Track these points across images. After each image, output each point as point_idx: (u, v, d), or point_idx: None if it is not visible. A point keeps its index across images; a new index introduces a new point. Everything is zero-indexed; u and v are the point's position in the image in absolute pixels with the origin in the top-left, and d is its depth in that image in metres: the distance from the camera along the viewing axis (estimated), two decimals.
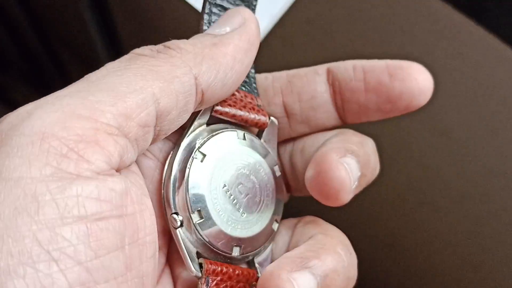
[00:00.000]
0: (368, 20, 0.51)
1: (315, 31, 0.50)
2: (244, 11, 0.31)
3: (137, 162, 0.30)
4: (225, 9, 0.32)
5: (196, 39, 0.30)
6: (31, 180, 0.23)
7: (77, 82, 0.27)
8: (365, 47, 0.50)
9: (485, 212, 0.44)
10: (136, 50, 0.29)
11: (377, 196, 0.46)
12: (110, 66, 0.27)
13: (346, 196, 0.29)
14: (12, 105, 1.08)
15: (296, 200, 0.36)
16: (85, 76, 0.27)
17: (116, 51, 0.81)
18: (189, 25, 0.58)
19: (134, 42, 0.81)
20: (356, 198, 0.31)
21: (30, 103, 0.25)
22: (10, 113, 0.25)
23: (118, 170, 0.26)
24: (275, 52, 0.48)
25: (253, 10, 0.34)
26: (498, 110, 0.48)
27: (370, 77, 0.32)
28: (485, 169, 0.46)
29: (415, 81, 0.31)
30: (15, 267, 0.22)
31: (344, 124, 0.35)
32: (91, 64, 0.96)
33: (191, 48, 0.29)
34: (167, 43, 0.29)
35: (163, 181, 0.30)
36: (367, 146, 0.32)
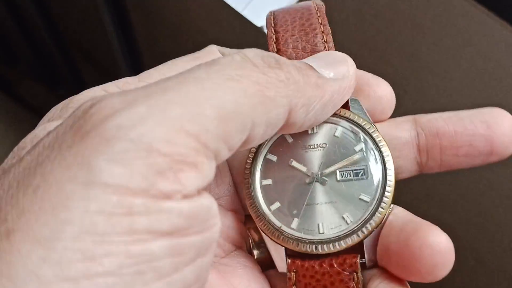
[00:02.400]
0: (377, 11, 0.51)
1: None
2: (351, 63, 0.31)
3: None
4: None
5: (303, 69, 0.28)
6: (129, 191, 0.22)
7: (185, 78, 0.24)
8: (373, 41, 0.50)
9: (489, 203, 0.44)
10: (248, 53, 0.27)
11: None
12: (220, 69, 0.25)
13: None
14: (17, 98, 1.09)
15: None
16: (195, 75, 0.24)
17: (131, 49, 0.81)
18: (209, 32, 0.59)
19: (150, 44, 0.81)
20: None
21: (141, 102, 0.23)
22: (119, 108, 0.23)
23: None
24: None
25: None
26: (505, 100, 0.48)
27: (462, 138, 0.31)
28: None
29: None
30: (104, 277, 0.21)
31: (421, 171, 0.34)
32: (104, 65, 0.96)
33: (298, 77, 0.27)
34: (280, 60, 0.27)
35: None
36: None
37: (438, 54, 0.50)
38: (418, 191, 0.48)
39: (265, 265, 0.33)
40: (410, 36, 0.50)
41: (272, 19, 0.34)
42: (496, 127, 0.31)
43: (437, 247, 0.28)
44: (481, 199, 0.46)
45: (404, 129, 0.33)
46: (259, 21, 0.53)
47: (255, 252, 0.33)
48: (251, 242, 0.34)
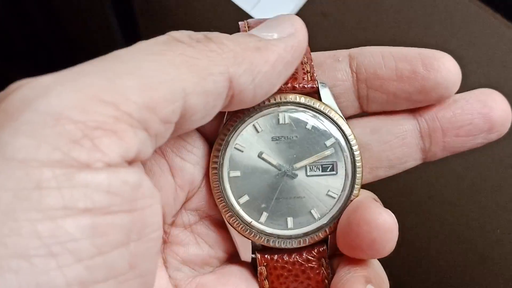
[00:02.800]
0: (382, 11, 0.51)
1: (331, 25, 0.51)
2: (296, 20, 0.29)
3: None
4: None
5: (240, 37, 0.28)
6: (37, 163, 0.20)
7: (104, 57, 0.24)
8: (380, 38, 0.50)
9: (494, 205, 0.44)
10: (174, 34, 0.26)
11: (385, 188, 0.47)
12: (143, 47, 0.25)
13: None
14: None
15: None
16: (114, 52, 0.24)
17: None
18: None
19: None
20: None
21: (49, 75, 0.22)
22: (24, 82, 0.22)
23: (131, 163, 0.23)
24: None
25: None
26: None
27: (403, 66, 0.31)
28: (496, 161, 0.46)
29: (450, 72, 0.31)
30: (8, 260, 0.19)
31: (363, 112, 0.33)
32: None
33: (233, 45, 0.26)
34: (209, 34, 0.27)
35: None
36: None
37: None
38: (422, 192, 0.48)
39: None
40: (413, 36, 0.50)
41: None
42: (492, 104, 0.31)
43: (374, 223, 0.28)
44: (484, 200, 0.46)
45: (404, 117, 0.32)
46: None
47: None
48: None
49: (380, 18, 0.51)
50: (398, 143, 0.32)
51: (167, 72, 0.24)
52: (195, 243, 0.32)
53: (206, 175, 0.31)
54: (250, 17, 0.55)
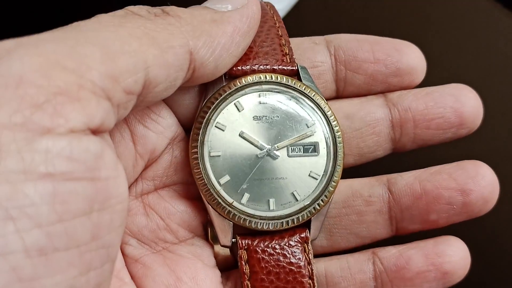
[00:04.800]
0: (382, 2, 0.51)
1: (331, 14, 0.51)
2: None
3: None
4: None
5: (195, 10, 0.28)
6: None
7: (64, 27, 0.24)
8: (379, 29, 0.50)
9: (498, 201, 0.44)
10: (132, 8, 0.27)
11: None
12: (103, 19, 0.25)
13: None
14: None
15: None
16: (74, 23, 0.24)
17: None
18: None
19: None
20: None
21: (11, 40, 0.22)
22: None
23: (95, 132, 0.23)
24: (292, 35, 0.49)
25: None
26: None
27: (378, 49, 0.32)
28: (501, 154, 0.46)
29: (419, 58, 0.33)
30: None
31: (338, 96, 0.34)
32: None
33: (190, 19, 0.27)
34: (166, 8, 0.27)
35: None
36: None
37: (450, 51, 0.49)
38: None
39: (227, 262, 0.32)
40: (418, 29, 0.50)
41: None
42: (464, 99, 0.32)
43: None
44: None
45: (377, 105, 0.33)
46: (278, 4, 0.52)
47: (216, 248, 0.32)
48: (210, 233, 0.32)
49: (380, 9, 0.50)
50: (368, 131, 0.33)
51: (128, 43, 0.24)
52: (144, 214, 0.31)
53: (170, 145, 0.31)
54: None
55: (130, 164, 0.29)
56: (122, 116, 0.25)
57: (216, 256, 0.32)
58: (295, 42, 0.33)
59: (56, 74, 0.21)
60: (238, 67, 0.30)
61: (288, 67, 0.31)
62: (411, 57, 0.32)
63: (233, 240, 0.31)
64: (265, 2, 0.33)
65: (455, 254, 0.31)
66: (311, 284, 0.31)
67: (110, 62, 0.23)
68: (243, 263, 0.31)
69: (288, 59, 0.31)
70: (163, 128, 0.30)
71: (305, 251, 0.31)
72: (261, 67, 0.31)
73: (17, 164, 0.20)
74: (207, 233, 0.32)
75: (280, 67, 0.31)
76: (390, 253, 0.32)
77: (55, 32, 0.23)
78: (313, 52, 0.33)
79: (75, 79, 0.22)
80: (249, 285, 0.31)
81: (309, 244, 0.31)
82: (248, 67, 0.31)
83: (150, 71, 0.24)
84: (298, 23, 0.51)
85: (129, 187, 0.30)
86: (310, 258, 0.31)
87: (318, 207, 0.31)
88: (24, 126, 0.20)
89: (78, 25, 0.24)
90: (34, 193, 0.20)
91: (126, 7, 0.27)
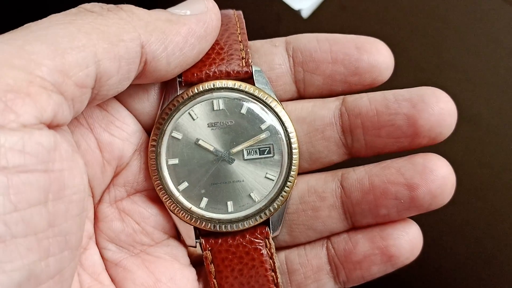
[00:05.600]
0: (400, 7, 0.51)
1: (350, 17, 0.51)
2: (209, 1, 0.31)
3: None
4: None
5: (153, 11, 0.29)
6: None
7: (16, 30, 0.25)
8: (397, 33, 0.49)
9: (506, 205, 0.43)
10: (85, 5, 0.28)
11: None
12: (54, 19, 0.26)
13: None
14: None
15: None
16: (26, 25, 0.26)
17: None
18: None
19: None
20: None
21: None
22: None
23: (50, 126, 0.25)
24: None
25: None
26: None
27: (337, 49, 0.32)
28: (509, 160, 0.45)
29: (383, 55, 0.31)
30: None
31: (300, 97, 0.34)
32: None
33: (144, 16, 0.28)
34: (121, 5, 0.28)
35: None
36: None
37: (463, 50, 0.49)
38: None
39: (202, 259, 0.33)
40: (434, 30, 0.49)
41: None
42: (423, 106, 0.29)
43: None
44: (493, 198, 0.45)
45: (329, 108, 0.32)
46: (298, 4, 0.54)
47: (189, 248, 0.34)
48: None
49: (398, 11, 0.50)
50: (317, 136, 0.32)
51: (77, 38, 0.25)
52: (119, 219, 0.32)
53: (137, 152, 0.32)
54: (281, 0, 0.54)
55: (98, 171, 0.31)
56: (79, 110, 0.26)
57: (190, 255, 0.34)
58: (255, 45, 0.33)
59: (5, 73, 0.23)
60: (194, 74, 0.32)
61: (242, 71, 0.32)
62: (372, 55, 0.31)
63: (197, 241, 0.33)
64: (233, 12, 0.35)
65: (400, 237, 0.31)
66: (274, 276, 0.32)
67: (59, 57, 0.24)
68: (209, 263, 0.32)
69: (243, 63, 0.32)
70: (128, 134, 0.32)
71: (266, 246, 0.32)
72: (216, 72, 0.32)
73: None
74: (180, 234, 0.33)
75: (234, 71, 0.32)
76: (340, 238, 0.32)
77: (5, 35, 0.25)
78: (271, 54, 0.33)
79: (24, 75, 0.23)
80: (216, 283, 0.32)
81: (270, 239, 0.32)
82: (203, 73, 0.32)
83: (101, 64, 0.25)
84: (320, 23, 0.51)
85: (102, 194, 0.32)
86: (272, 252, 0.32)
87: (275, 207, 0.32)
88: None
89: (29, 26, 0.26)
90: None
91: (80, 5, 0.28)
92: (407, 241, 0.31)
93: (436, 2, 0.50)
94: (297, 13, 0.50)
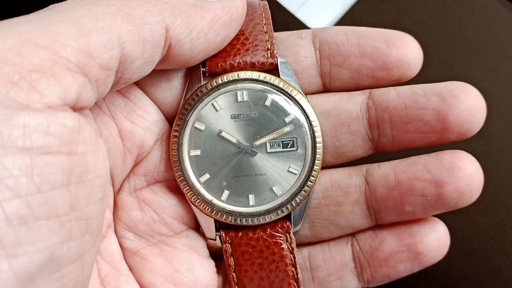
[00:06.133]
0: (414, 23, 0.50)
1: (382, 21, 0.50)
2: None
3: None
4: None
5: None
6: None
7: (41, 10, 0.25)
8: (429, 33, 0.48)
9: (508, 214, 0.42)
10: None
11: None
12: (79, 0, 0.26)
13: None
14: None
15: None
16: (50, 6, 0.26)
17: None
18: None
19: None
20: None
21: None
22: None
23: (74, 109, 0.24)
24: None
25: None
26: None
27: (365, 42, 0.31)
28: None
29: (412, 50, 0.31)
30: None
31: (325, 91, 0.33)
32: None
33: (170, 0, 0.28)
34: None
35: None
36: None
37: (477, 63, 0.48)
38: None
39: (221, 251, 0.33)
40: (448, 44, 0.48)
41: None
42: (453, 100, 0.29)
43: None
44: (500, 210, 0.44)
45: (355, 101, 0.32)
46: (315, 23, 0.51)
47: (209, 240, 0.34)
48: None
49: (412, 26, 0.49)
50: (343, 130, 0.32)
51: (102, 19, 0.25)
52: (139, 208, 0.32)
53: (159, 142, 0.32)
54: (295, 18, 0.55)
55: (119, 159, 0.31)
56: (103, 94, 0.26)
57: (209, 248, 0.34)
58: (281, 37, 0.33)
59: (30, 52, 0.23)
60: (218, 64, 0.31)
61: (267, 62, 0.32)
62: (401, 49, 0.31)
63: (217, 234, 0.32)
64: (259, 2, 0.34)
65: (427, 235, 0.30)
66: (294, 272, 0.32)
67: (84, 38, 0.24)
68: (228, 256, 0.32)
69: (269, 54, 0.32)
70: (149, 123, 0.31)
71: (287, 240, 0.32)
72: (240, 63, 0.31)
73: None
74: (200, 226, 0.33)
75: (259, 62, 0.32)
76: (366, 234, 0.32)
77: (30, 15, 0.25)
78: (298, 46, 0.33)
79: (48, 55, 0.23)
80: (235, 276, 0.32)
81: (291, 234, 0.32)
82: (227, 63, 0.31)
83: (125, 47, 0.25)
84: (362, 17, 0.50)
85: (122, 183, 0.32)
86: (293, 247, 0.32)
87: (297, 202, 0.32)
88: (1, 103, 0.22)
89: (54, 6, 0.25)
90: (13, 166, 0.21)
91: None
92: (435, 238, 0.30)
93: (452, 19, 0.49)
94: (304, 24, 0.50)
